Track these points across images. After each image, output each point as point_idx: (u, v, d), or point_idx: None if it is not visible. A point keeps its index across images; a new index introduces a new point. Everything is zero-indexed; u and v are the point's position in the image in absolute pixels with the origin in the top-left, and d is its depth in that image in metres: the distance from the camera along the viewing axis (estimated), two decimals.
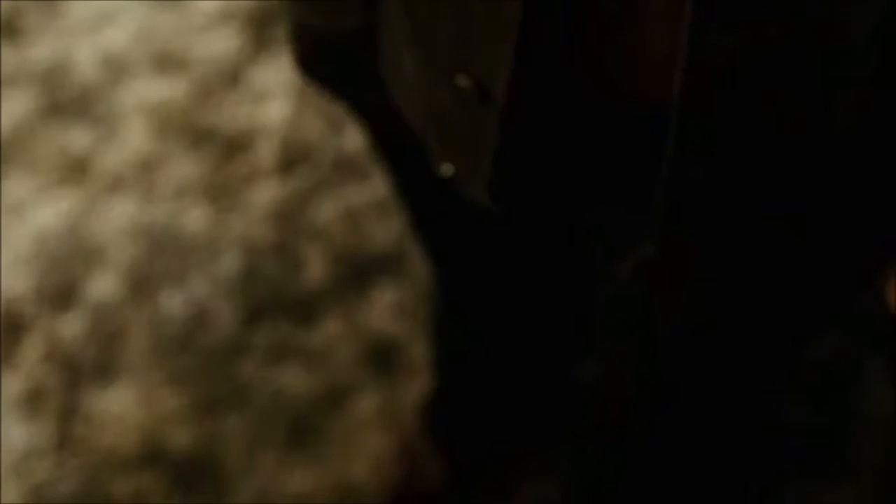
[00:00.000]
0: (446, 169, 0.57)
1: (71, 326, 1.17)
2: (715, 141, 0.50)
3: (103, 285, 1.19)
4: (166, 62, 1.37)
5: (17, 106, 1.33)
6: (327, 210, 1.23)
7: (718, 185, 0.53)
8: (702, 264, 0.63)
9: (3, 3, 1.41)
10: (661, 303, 0.70)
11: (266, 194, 1.25)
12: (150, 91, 1.35)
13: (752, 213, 0.56)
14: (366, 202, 1.23)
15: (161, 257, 1.22)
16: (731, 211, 0.55)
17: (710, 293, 0.67)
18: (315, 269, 1.20)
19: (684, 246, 0.61)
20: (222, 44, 1.38)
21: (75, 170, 1.28)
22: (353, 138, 1.24)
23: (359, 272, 1.20)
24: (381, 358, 1.15)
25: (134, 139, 1.31)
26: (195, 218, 1.24)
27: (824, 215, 0.57)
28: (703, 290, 0.66)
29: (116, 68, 1.37)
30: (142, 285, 1.19)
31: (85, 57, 1.38)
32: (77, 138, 1.31)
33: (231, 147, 1.29)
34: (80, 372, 1.14)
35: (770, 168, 0.52)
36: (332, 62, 0.67)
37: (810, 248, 0.60)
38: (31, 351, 1.15)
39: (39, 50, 1.39)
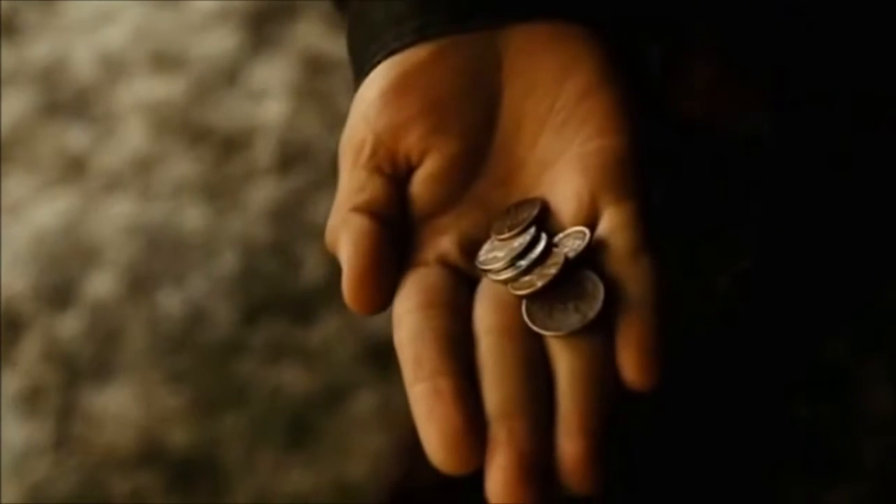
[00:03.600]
0: None
1: (69, 325, 1.17)
2: (803, 170, 0.51)
3: (101, 284, 1.19)
4: (164, 61, 1.37)
5: (14, 105, 1.32)
6: (325, 209, 1.23)
7: (806, 204, 0.55)
8: (787, 273, 0.63)
9: (0, 2, 1.41)
10: (741, 312, 0.70)
11: (264, 193, 1.25)
12: (147, 90, 1.35)
13: (828, 226, 0.58)
14: None
15: (159, 256, 1.21)
16: (815, 223, 0.57)
17: (779, 298, 0.67)
18: (313, 267, 1.20)
19: (776, 260, 0.62)
20: (220, 42, 1.38)
21: (73, 169, 1.28)
22: None
23: None
24: (380, 357, 1.15)
25: (132, 138, 1.31)
26: (193, 217, 1.24)
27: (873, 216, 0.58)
28: (777, 296, 0.67)
29: (114, 67, 1.37)
30: (140, 284, 1.19)
31: (83, 56, 1.38)
32: (75, 137, 1.30)
33: (229, 146, 1.29)
34: (78, 371, 1.14)
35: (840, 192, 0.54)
36: None
37: (854, 248, 0.61)
38: (30, 350, 1.15)
39: (37, 49, 1.39)
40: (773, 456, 1.05)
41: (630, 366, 0.35)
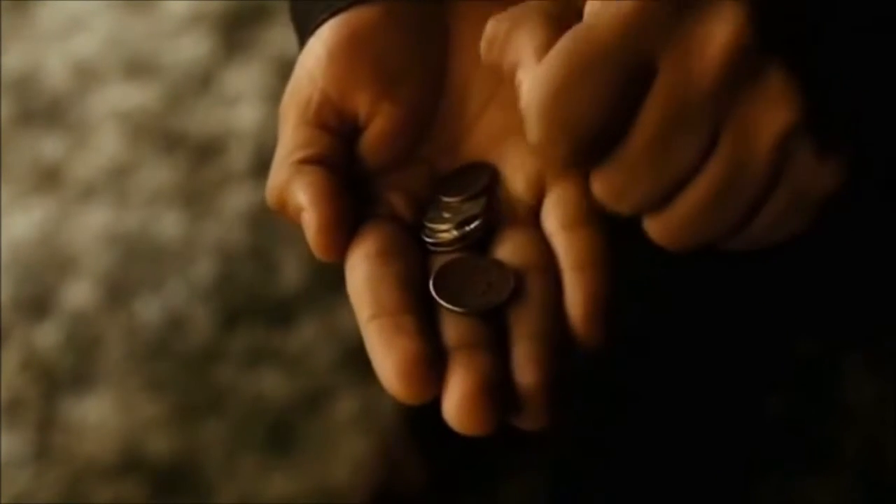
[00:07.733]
0: None
1: (47, 335, 1.17)
2: None
3: (79, 293, 1.19)
4: (137, 68, 1.37)
5: None
6: None
7: None
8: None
9: None
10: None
11: (240, 198, 1.25)
12: (121, 97, 1.35)
13: None
14: None
15: (136, 264, 1.21)
16: None
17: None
18: (291, 272, 1.20)
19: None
20: (193, 48, 1.38)
21: (48, 178, 1.28)
22: None
23: (335, 274, 1.19)
24: (360, 360, 1.15)
25: (106, 146, 1.30)
26: (169, 224, 1.24)
27: None
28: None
29: (87, 75, 1.37)
30: (117, 292, 1.19)
31: (55, 64, 1.37)
32: (49, 146, 1.30)
33: (204, 152, 1.29)
34: (57, 381, 1.14)
35: None
36: None
37: None
38: (8, 361, 1.15)
39: (10, 57, 1.39)
40: (753, 448, 1.06)
41: (576, 322, 0.37)
